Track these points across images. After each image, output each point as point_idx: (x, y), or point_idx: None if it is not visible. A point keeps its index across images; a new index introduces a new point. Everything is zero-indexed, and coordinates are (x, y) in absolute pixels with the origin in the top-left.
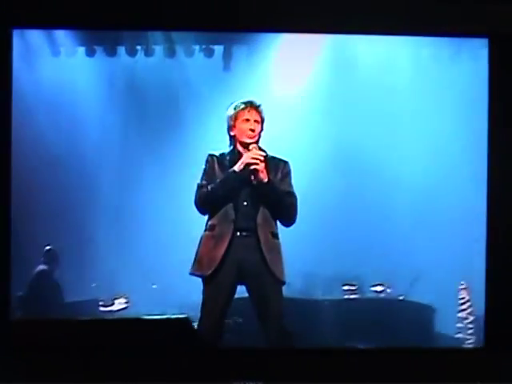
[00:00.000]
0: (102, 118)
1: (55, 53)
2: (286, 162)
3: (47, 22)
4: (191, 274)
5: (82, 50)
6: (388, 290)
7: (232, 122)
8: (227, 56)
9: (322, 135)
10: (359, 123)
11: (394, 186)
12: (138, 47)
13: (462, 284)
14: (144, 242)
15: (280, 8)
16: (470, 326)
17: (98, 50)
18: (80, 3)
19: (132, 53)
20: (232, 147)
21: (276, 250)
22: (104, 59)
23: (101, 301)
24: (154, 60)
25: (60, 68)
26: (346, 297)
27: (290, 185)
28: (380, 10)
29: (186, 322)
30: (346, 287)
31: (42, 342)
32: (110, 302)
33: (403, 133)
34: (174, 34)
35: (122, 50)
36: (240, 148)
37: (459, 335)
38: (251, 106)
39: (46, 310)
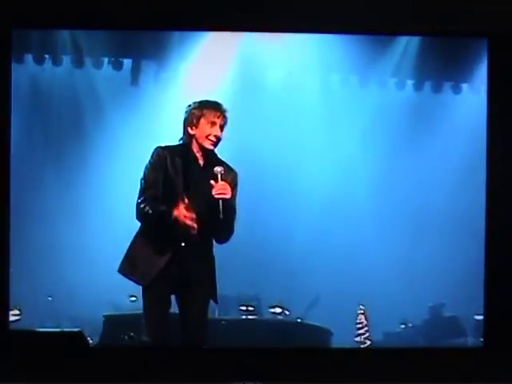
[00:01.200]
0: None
1: None
2: (235, 173)
3: (47, 22)
4: (124, 275)
5: None
6: (286, 312)
7: (195, 120)
8: (136, 70)
9: (227, 152)
10: (267, 141)
11: (294, 208)
12: (46, 56)
13: (361, 308)
14: (37, 252)
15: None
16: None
17: None
18: (80, 3)
19: (39, 61)
20: (185, 144)
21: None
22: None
23: None
24: (62, 69)
25: None
26: (243, 317)
27: (235, 199)
28: (378, 9)
29: (79, 336)
30: (243, 307)
31: None
32: None
33: (310, 156)
34: (84, 44)
35: (29, 57)
36: (195, 149)
37: None
38: (220, 109)
39: None
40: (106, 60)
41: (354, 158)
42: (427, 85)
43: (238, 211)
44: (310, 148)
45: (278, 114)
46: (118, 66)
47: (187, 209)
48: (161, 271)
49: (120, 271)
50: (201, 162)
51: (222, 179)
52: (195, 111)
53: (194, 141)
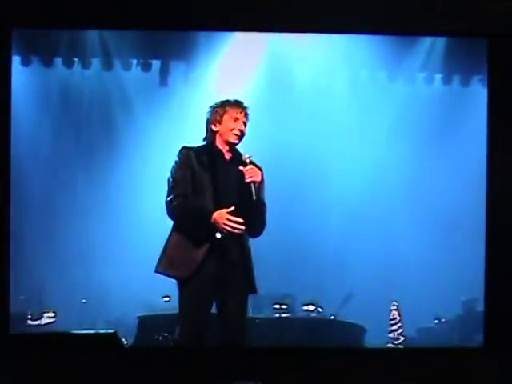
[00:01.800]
0: (35, 128)
1: None
2: (261, 169)
3: (47, 22)
4: (162, 273)
5: (17, 58)
6: (319, 310)
7: (218, 117)
8: (164, 71)
9: (257, 150)
10: (296, 139)
11: (325, 205)
12: (75, 59)
13: (394, 304)
14: (71, 256)
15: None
16: (401, 346)
17: (34, 59)
18: (80, 3)
19: (69, 64)
20: (209, 143)
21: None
22: (40, 69)
23: (29, 314)
24: (91, 72)
25: None
26: (276, 315)
27: (264, 193)
28: (378, 9)
29: (113, 337)
30: (276, 306)
31: None
32: (39, 316)
33: (339, 154)
34: (112, 47)
35: (58, 60)
36: (220, 146)
37: None
38: (242, 106)
39: None
40: (134, 62)
41: (384, 154)
42: (456, 79)
43: (269, 209)
44: (339, 146)
45: (306, 112)
46: (146, 67)
47: (233, 215)
48: (199, 265)
49: (157, 270)
50: (227, 156)
51: (250, 163)
52: (218, 109)
53: (217, 137)
